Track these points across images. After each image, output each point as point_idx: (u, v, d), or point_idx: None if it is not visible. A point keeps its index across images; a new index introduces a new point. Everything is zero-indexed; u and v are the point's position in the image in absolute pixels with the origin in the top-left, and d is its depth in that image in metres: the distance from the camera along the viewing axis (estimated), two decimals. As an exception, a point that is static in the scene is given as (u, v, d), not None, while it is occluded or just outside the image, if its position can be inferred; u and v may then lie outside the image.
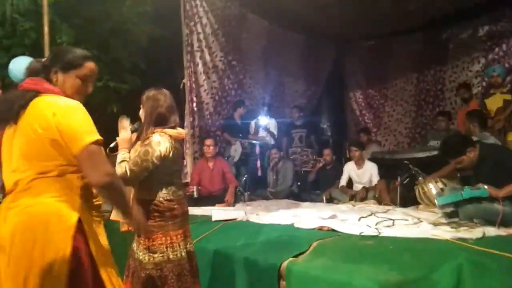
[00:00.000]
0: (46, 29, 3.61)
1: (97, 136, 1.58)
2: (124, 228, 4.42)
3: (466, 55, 6.59)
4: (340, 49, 7.86)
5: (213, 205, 4.60)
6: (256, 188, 5.87)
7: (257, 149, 6.20)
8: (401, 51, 7.28)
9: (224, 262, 2.85)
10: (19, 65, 3.74)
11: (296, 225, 3.25)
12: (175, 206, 2.26)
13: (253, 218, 3.75)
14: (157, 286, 2.19)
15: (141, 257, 2.21)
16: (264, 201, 5.27)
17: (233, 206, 4.74)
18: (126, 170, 2.13)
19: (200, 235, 3.11)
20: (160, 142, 2.19)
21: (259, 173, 6.08)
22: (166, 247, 2.23)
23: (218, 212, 3.97)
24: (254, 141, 6.15)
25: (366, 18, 6.25)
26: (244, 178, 5.67)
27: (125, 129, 2.28)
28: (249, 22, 6.50)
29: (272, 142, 6.35)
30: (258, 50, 6.82)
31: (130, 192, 2.33)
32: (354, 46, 7.81)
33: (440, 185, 3.77)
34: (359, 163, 4.97)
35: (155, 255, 2.21)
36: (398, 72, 7.41)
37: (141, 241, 2.23)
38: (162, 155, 2.18)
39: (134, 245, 2.27)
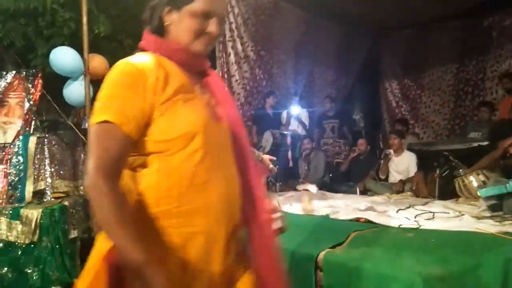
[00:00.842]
0: (84, 19, 3.67)
1: (106, 116, 1.06)
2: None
3: (510, 44, 6.28)
4: (375, 38, 7.66)
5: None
6: (287, 178, 5.84)
7: (288, 140, 6.17)
8: (440, 40, 7.02)
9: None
10: (59, 56, 3.83)
11: (331, 216, 3.20)
12: None
13: (287, 208, 3.73)
14: None
15: None
16: (296, 191, 5.23)
17: (265, 196, 4.73)
18: None
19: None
20: None
21: (291, 164, 6.05)
22: None
23: (251, 202, 3.96)
24: (285, 132, 6.11)
25: (403, 5, 6.04)
26: (276, 169, 5.63)
27: None
28: (282, 11, 6.42)
29: (304, 132, 6.29)
30: (290, 39, 6.73)
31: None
32: (390, 35, 7.58)
33: (481, 177, 3.63)
34: (398, 152, 4.86)
35: None
36: (436, 61, 7.16)
37: None
38: None
39: None
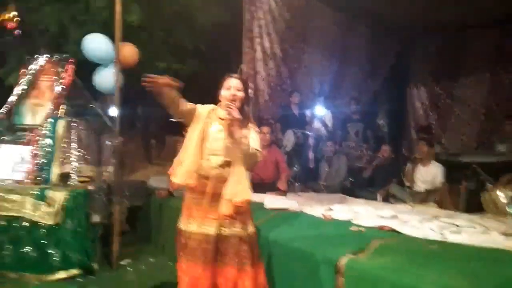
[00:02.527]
0: (118, 7, 3.70)
1: None
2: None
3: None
4: (405, 42, 7.49)
5: (265, 192, 4.60)
6: (307, 179, 5.81)
7: (311, 140, 6.13)
8: (473, 47, 6.80)
9: (278, 251, 2.84)
10: (92, 42, 3.88)
11: (354, 222, 3.17)
12: None
13: (307, 210, 3.70)
14: (253, 255, 2.40)
15: (240, 233, 2.38)
16: (316, 193, 5.20)
17: (285, 195, 4.71)
18: (260, 154, 2.40)
19: (255, 222, 3.12)
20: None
21: (311, 165, 6.01)
22: (251, 219, 2.47)
23: (271, 200, 3.96)
24: (307, 132, 6.07)
25: (435, 10, 5.90)
26: (296, 169, 5.62)
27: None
28: (312, 10, 6.35)
29: (326, 134, 6.24)
30: (318, 39, 6.64)
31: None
32: (420, 40, 7.40)
33: (510, 193, 3.54)
34: (425, 161, 4.75)
35: (249, 227, 2.43)
36: (469, 70, 6.93)
37: (237, 218, 2.36)
38: None
39: (222, 225, 2.36)
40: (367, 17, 6.59)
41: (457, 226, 3.02)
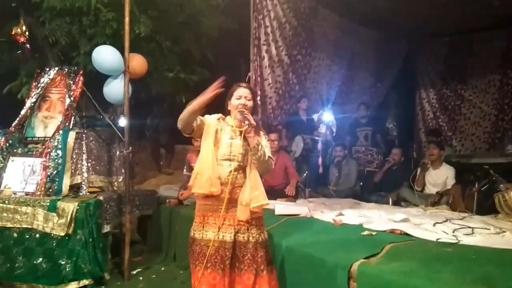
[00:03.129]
0: (127, 19, 3.76)
1: None
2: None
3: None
4: (413, 45, 7.47)
5: (275, 199, 4.58)
6: (316, 185, 5.78)
7: (319, 146, 6.10)
8: (481, 50, 6.78)
9: (290, 257, 2.82)
10: (101, 54, 3.93)
11: (365, 226, 3.14)
12: None
13: (318, 215, 3.68)
14: (267, 262, 2.45)
15: (256, 238, 2.42)
16: (326, 198, 5.16)
17: (294, 201, 4.69)
18: (272, 161, 2.49)
19: (266, 228, 3.11)
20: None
21: (320, 170, 5.98)
22: (264, 226, 2.55)
23: (281, 207, 3.95)
24: (316, 137, 6.05)
25: (442, 13, 5.88)
26: (305, 174, 5.60)
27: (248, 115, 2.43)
28: (319, 16, 6.38)
29: (332, 139, 6.22)
30: (326, 44, 6.68)
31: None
32: (428, 43, 7.37)
33: (524, 194, 3.48)
34: (436, 164, 4.70)
35: (264, 234, 2.50)
36: (477, 72, 6.90)
37: (253, 223, 2.42)
38: None
39: (238, 231, 2.39)
40: (374, 22, 6.59)
41: (470, 228, 2.97)
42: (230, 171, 2.39)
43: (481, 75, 6.89)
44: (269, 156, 2.42)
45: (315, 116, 6.23)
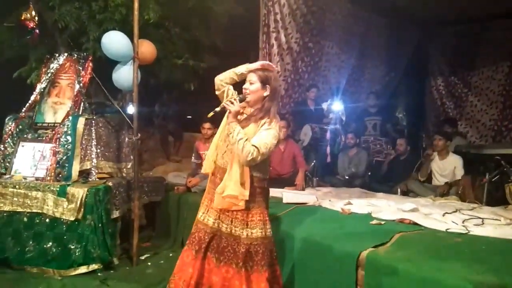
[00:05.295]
0: (136, 5, 3.72)
1: None
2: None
3: None
4: (424, 34, 7.36)
5: (282, 187, 4.58)
6: (324, 174, 5.77)
7: (328, 135, 6.07)
8: (491, 38, 6.67)
9: (297, 245, 2.82)
10: (111, 40, 3.91)
11: (374, 215, 3.13)
12: (267, 185, 2.40)
13: (326, 204, 3.67)
14: (253, 261, 2.27)
15: (238, 233, 2.28)
16: (334, 187, 5.15)
17: (303, 190, 4.69)
18: (255, 151, 2.18)
19: (272, 216, 3.11)
20: (281, 127, 2.36)
21: (328, 159, 5.96)
22: (263, 224, 2.30)
23: (288, 195, 3.95)
24: (325, 127, 6.02)
25: (454, 1, 5.77)
26: (313, 163, 5.58)
27: (234, 102, 2.30)
28: (330, 2, 6.29)
29: (341, 128, 6.18)
30: (337, 32, 6.59)
31: None
32: (439, 31, 7.27)
33: (536, 185, 3.44)
34: (442, 154, 4.66)
35: (253, 231, 2.28)
36: (486, 60, 6.82)
37: (238, 217, 2.29)
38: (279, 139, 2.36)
39: (222, 220, 2.32)
40: (386, 9, 6.49)
41: (480, 218, 2.95)
42: (222, 155, 2.38)
43: (490, 62, 6.81)
44: (253, 145, 2.18)
45: (324, 105, 6.19)
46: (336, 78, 6.79)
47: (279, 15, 5.90)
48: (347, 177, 5.53)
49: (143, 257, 3.94)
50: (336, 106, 6.16)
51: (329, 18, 6.37)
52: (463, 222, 2.85)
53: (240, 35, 6.13)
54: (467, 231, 2.65)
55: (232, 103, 2.28)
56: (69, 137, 3.89)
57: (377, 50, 7.17)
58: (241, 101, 2.33)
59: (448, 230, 2.68)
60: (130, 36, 3.89)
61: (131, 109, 4.25)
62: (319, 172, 5.61)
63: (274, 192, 4.17)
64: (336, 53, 6.73)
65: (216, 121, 2.64)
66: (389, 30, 7.06)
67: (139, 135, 3.93)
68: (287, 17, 5.99)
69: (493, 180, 3.89)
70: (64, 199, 3.56)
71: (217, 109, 2.36)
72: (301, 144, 5.81)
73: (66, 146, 3.87)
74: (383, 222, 2.92)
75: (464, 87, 7.19)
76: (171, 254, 4.10)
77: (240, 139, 2.19)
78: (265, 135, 2.24)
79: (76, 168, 3.83)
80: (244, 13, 5.69)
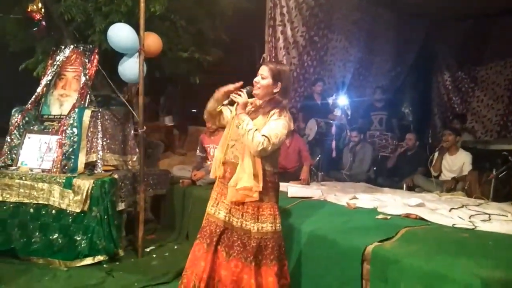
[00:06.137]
0: (142, -3, 3.72)
1: None
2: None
3: None
4: (432, 29, 7.30)
5: (287, 182, 4.57)
6: (329, 169, 5.75)
7: (333, 129, 6.05)
8: (499, 33, 6.60)
9: (303, 240, 2.82)
10: (117, 32, 3.91)
11: (379, 210, 3.12)
12: (277, 180, 2.39)
13: (331, 199, 3.66)
14: (262, 255, 2.26)
15: (248, 227, 2.27)
16: (339, 182, 5.14)
17: (308, 185, 4.68)
18: (265, 141, 2.16)
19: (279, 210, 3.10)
20: (291, 118, 2.31)
21: (334, 154, 5.94)
22: (274, 218, 2.29)
23: (294, 189, 3.94)
24: (330, 121, 5.99)
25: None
26: (318, 158, 5.57)
27: (242, 94, 2.29)
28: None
29: (346, 123, 6.15)
30: (344, 26, 6.54)
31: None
32: (447, 26, 7.21)
33: (543, 181, 3.41)
34: (452, 150, 4.63)
35: (264, 225, 2.27)
36: (494, 55, 6.79)
37: (249, 211, 2.27)
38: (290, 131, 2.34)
39: (233, 214, 2.31)
40: (394, 3, 6.43)
41: (487, 214, 2.93)
42: (231, 151, 2.36)
43: (497, 57, 6.76)
44: (263, 135, 2.16)
45: (330, 100, 6.16)
46: (342, 72, 6.75)
47: (286, 9, 5.86)
48: (350, 173, 5.51)
49: (148, 249, 3.97)
50: (342, 101, 6.14)
51: (336, 11, 6.32)
52: (469, 217, 2.84)
53: (246, 29, 6.11)
54: (474, 227, 2.64)
55: (239, 95, 2.27)
56: (75, 129, 3.90)
57: (385, 44, 7.11)
58: (248, 94, 2.31)
59: (454, 226, 2.67)
60: (136, 28, 3.88)
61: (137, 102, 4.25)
62: (324, 167, 5.59)
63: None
64: (343, 47, 6.68)
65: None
66: (396, 25, 7.00)
67: (144, 127, 3.93)
68: (293, 11, 5.94)
69: (500, 176, 3.86)
70: (70, 191, 3.57)
71: (225, 102, 2.35)
72: (306, 138, 5.79)
73: (72, 138, 3.88)
74: (389, 217, 2.91)
75: (471, 82, 7.14)
76: (176, 247, 4.12)
77: (250, 130, 2.17)
78: (274, 125, 2.22)
79: (82, 160, 3.85)
80: (250, 6, 5.66)
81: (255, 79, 2.35)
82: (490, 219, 2.83)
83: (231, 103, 2.34)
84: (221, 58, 5.26)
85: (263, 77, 2.33)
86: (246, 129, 2.19)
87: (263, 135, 2.17)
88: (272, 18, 5.75)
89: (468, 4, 6.07)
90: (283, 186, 4.03)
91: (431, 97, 7.67)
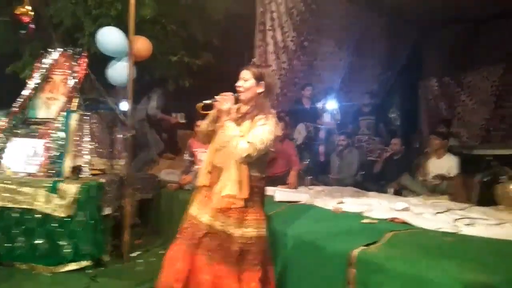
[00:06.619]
0: (132, 0, 3.71)
1: None
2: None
3: None
4: (420, 34, 7.38)
5: (275, 186, 4.58)
6: (318, 173, 5.78)
7: (322, 134, 6.08)
8: (487, 39, 6.71)
9: (289, 244, 2.82)
10: (106, 36, 3.90)
11: (365, 214, 3.13)
12: (264, 185, 2.39)
13: (318, 203, 3.68)
14: (246, 260, 2.25)
15: (232, 231, 2.25)
16: (327, 186, 5.16)
17: (295, 189, 4.69)
18: (250, 147, 2.17)
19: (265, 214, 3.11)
20: (277, 123, 2.30)
21: (322, 159, 5.98)
22: (258, 223, 2.29)
23: (281, 193, 3.95)
24: (319, 126, 6.03)
25: (451, 1, 5.80)
26: (307, 162, 5.59)
27: (228, 99, 2.29)
28: (327, 1, 6.28)
29: (335, 128, 6.20)
30: (333, 31, 6.56)
31: None
32: (436, 31, 7.28)
33: (525, 185, 3.47)
34: (439, 153, 4.69)
35: (248, 230, 2.27)
36: (482, 60, 6.86)
37: (233, 215, 2.26)
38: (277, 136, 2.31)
39: (217, 218, 2.28)
40: (383, 8, 6.50)
41: (471, 218, 2.96)
42: (219, 154, 2.36)
43: (485, 63, 6.87)
44: (249, 142, 2.18)
45: (319, 104, 6.20)
46: (331, 77, 6.79)
47: (276, 14, 5.89)
48: (337, 177, 5.54)
49: (134, 254, 3.93)
50: (331, 105, 6.18)
51: (326, 17, 6.35)
52: (454, 221, 2.87)
53: (236, 33, 6.12)
54: (458, 231, 2.67)
55: (223, 101, 2.27)
56: (62, 133, 3.87)
57: (374, 49, 7.16)
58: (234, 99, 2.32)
59: (439, 230, 2.69)
60: (126, 32, 3.88)
61: (125, 106, 4.24)
62: (312, 171, 5.61)
63: (267, 190, 4.21)
64: (332, 52, 6.71)
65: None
66: (386, 30, 7.06)
67: (133, 131, 3.92)
68: (283, 15, 5.97)
69: (485, 180, 3.92)
70: (56, 195, 3.53)
71: (207, 101, 2.35)
72: (295, 142, 5.81)
73: (58, 142, 3.85)
74: (374, 221, 2.93)
75: (457, 86, 7.24)
76: (162, 252, 4.08)
77: (234, 136, 2.18)
78: (260, 131, 2.22)
79: (68, 164, 3.82)
80: (240, 11, 5.68)
81: (237, 84, 2.36)
82: (474, 223, 2.86)
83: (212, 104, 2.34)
84: (211, 62, 5.28)
85: (245, 79, 2.34)
86: (230, 135, 2.19)
87: (248, 142, 2.17)
88: (262, 23, 5.78)
89: (456, 10, 6.17)
90: (270, 190, 4.07)
91: (419, 102, 7.75)
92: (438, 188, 4.29)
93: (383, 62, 7.33)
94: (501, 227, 2.81)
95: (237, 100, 2.37)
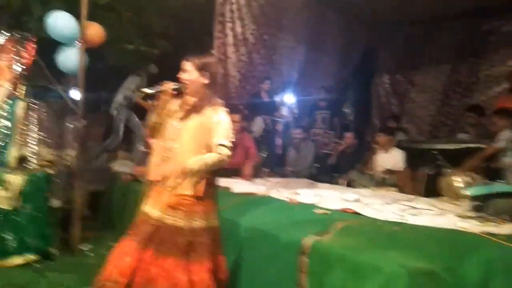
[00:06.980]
0: (84, -16, 3.57)
1: None
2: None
3: (505, 49, 6.31)
4: (375, 34, 7.61)
5: (232, 177, 4.58)
6: (275, 165, 5.85)
7: (280, 127, 6.16)
8: (437, 40, 7.05)
9: (244, 235, 2.85)
10: (56, 20, 3.72)
11: (318, 205, 3.22)
12: (216, 177, 2.38)
13: (274, 194, 3.73)
14: (195, 252, 2.23)
15: (180, 224, 2.23)
16: (283, 178, 5.23)
17: (251, 181, 4.72)
18: (224, 150, 2.24)
19: (222, 206, 3.11)
20: (226, 111, 2.31)
21: (279, 151, 6.06)
22: (208, 214, 2.29)
23: (238, 185, 3.97)
24: (277, 119, 6.10)
25: (404, 3, 6.03)
26: (264, 155, 5.64)
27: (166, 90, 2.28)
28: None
29: (293, 121, 6.30)
30: (293, 25, 6.62)
31: None
32: (389, 31, 7.56)
33: (467, 178, 3.70)
34: (386, 148, 4.88)
35: (197, 222, 2.26)
36: (431, 60, 7.22)
37: (183, 209, 2.24)
38: None
39: (166, 213, 2.26)
40: (341, 7, 6.63)
41: (416, 209, 3.12)
42: (167, 151, 2.33)
43: (433, 62, 7.21)
44: (219, 145, 2.22)
45: (277, 98, 6.27)
46: (289, 71, 6.87)
47: (236, 5, 5.86)
48: (293, 169, 5.64)
49: (85, 248, 3.82)
50: (289, 99, 6.26)
51: (285, 10, 6.40)
52: (401, 212, 3.01)
53: (195, 23, 6.02)
54: (404, 221, 2.80)
55: (166, 92, 2.26)
56: (7, 122, 3.67)
57: (331, 45, 7.30)
58: (179, 91, 2.29)
59: (387, 220, 2.82)
60: (78, 17, 3.72)
61: (76, 94, 4.07)
62: (270, 164, 5.67)
63: (223, 182, 4.21)
64: (291, 47, 6.78)
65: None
66: (342, 27, 7.22)
67: (84, 121, 3.79)
68: (243, 7, 5.94)
69: (430, 173, 4.14)
70: (1, 187, 3.36)
71: (149, 91, 2.29)
72: (252, 135, 5.84)
73: (3, 131, 3.65)
74: (327, 212, 3.01)
75: (408, 84, 7.57)
76: (113, 244, 3.98)
77: (204, 161, 2.22)
78: (223, 129, 2.27)
79: (14, 154, 3.63)
80: (200, 0, 5.59)
81: (179, 75, 2.31)
82: (419, 213, 3.01)
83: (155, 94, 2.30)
84: (168, 51, 5.16)
85: (187, 71, 2.29)
86: (201, 164, 2.22)
87: (219, 145, 2.22)
88: (221, 14, 5.73)
89: (410, 10, 6.41)
90: (227, 182, 4.08)
91: (371, 98, 8.02)
92: (386, 181, 4.47)
93: (339, 59, 7.50)
94: (444, 217, 2.98)
95: (180, 92, 2.33)
